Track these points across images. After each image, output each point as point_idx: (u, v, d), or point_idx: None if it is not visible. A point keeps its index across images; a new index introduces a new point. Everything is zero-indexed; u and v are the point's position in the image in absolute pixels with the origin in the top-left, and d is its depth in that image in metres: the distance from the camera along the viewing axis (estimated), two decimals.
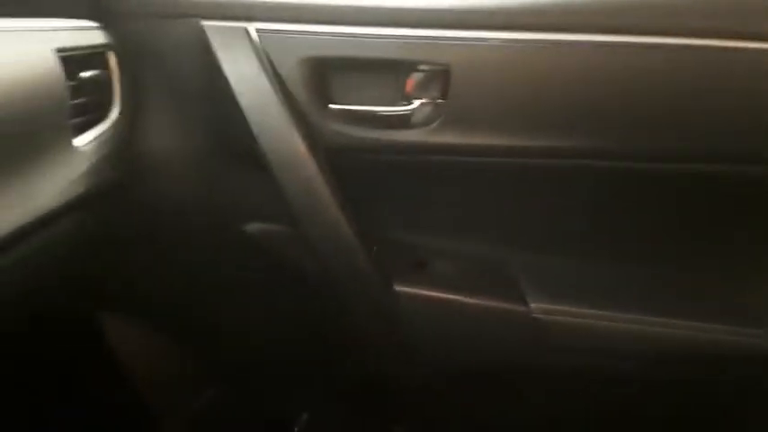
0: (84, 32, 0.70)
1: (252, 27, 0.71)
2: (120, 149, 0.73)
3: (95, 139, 0.69)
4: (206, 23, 0.72)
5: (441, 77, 0.68)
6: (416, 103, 0.70)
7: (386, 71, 0.70)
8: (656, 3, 0.64)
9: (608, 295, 0.76)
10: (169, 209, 0.81)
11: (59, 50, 0.63)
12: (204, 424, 0.93)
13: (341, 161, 0.74)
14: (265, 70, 0.70)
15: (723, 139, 0.67)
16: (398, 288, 0.78)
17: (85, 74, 0.68)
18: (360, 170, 0.76)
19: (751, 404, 0.78)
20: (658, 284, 0.77)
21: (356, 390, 0.86)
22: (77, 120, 0.67)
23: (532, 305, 0.76)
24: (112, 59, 0.73)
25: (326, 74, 0.71)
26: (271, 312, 0.87)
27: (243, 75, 0.71)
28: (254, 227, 0.83)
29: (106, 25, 0.73)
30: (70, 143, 0.65)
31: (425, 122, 0.71)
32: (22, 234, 0.57)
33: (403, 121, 0.71)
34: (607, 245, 0.77)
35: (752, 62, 0.63)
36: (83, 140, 0.67)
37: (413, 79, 0.70)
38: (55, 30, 0.65)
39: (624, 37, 0.64)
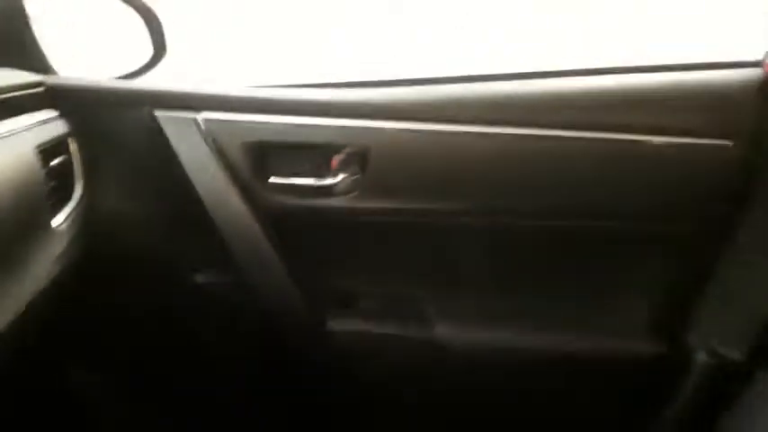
0: (51, 124, 0.81)
1: (200, 117, 0.84)
2: (86, 224, 0.84)
3: (66, 218, 0.80)
4: (158, 113, 0.85)
5: (360, 157, 0.84)
6: (340, 176, 0.86)
7: (314, 152, 0.86)
8: (532, 102, 0.84)
9: (502, 321, 0.95)
10: (127, 267, 0.92)
11: (38, 146, 0.75)
12: None
13: (280, 222, 0.89)
14: (213, 152, 0.84)
15: (588, 200, 0.87)
16: (331, 325, 0.94)
17: (54, 162, 0.79)
18: (296, 229, 0.90)
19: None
20: (543, 311, 0.96)
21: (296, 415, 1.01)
22: (51, 203, 0.78)
23: (438, 332, 0.94)
24: (73, 145, 0.85)
25: (266, 154, 0.86)
26: (216, 350, 1.00)
27: (193, 157, 0.84)
28: (200, 276, 0.96)
29: (64, 114, 0.84)
30: (49, 225, 0.76)
31: (347, 191, 0.87)
32: (20, 322, 0.68)
33: (329, 191, 0.87)
34: (500, 281, 0.96)
35: (618, 149, 0.83)
36: (58, 221, 0.78)
37: (336, 159, 0.85)
38: (29, 128, 0.76)
39: (507, 128, 0.83)
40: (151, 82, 0.88)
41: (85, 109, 0.86)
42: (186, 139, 0.84)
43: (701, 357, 0.90)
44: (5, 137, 0.70)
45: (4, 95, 0.74)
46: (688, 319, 0.92)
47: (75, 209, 0.82)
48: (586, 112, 0.83)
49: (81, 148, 0.85)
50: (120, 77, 0.94)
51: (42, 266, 0.73)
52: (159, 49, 0.93)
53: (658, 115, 0.82)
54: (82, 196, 0.84)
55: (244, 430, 1.01)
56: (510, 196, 0.86)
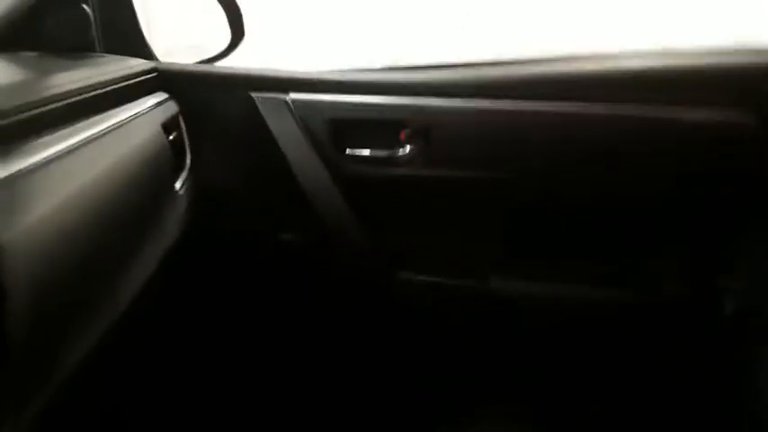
0: (165, 104, 0.97)
1: (289, 97, 0.99)
2: (195, 190, 1.00)
3: (183, 184, 0.97)
4: (254, 94, 1.00)
5: (424, 131, 0.98)
6: (407, 148, 1.00)
7: (385, 127, 0.99)
8: (571, 81, 0.95)
9: (546, 275, 1.08)
10: (227, 228, 1.09)
11: (162, 123, 0.91)
12: None
13: (356, 188, 1.03)
14: (300, 128, 0.99)
15: (623, 166, 0.98)
16: (398, 276, 1.09)
17: (171, 136, 0.95)
18: (369, 194, 1.05)
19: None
20: (581, 266, 1.08)
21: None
22: (173, 171, 0.95)
23: (491, 283, 1.08)
24: (182, 123, 1.01)
25: (344, 129, 1.00)
26: (297, 298, 1.16)
27: (283, 132, 1.00)
28: (287, 235, 1.12)
29: (174, 95, 1.00)
30: (173, 188, 0.93)
31: (413, 162, 1.00)
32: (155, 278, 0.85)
33: (397, 161, 1.01)
34: (543, 240, 1.08)
35: (649, 124, 0.93)
36: (178, 185, 0.95)
37: (404, 133, 0.99)
38: (153, 107, 0.92)
39: (547, 104, 0.94)
40: (246, 66, 1.03)
41: (191, 91, 1.02)
42: (277, 117, 0.99)
43: (728, 307, 1.02)
44: (140, 115, 0.86)
45: (131, 81, 0.90)
46: (716, 275, 1.03)
47: (187, 177, 0.99)
48: (622, 91, 0.93)
49: (188, 124, 1.02)
50: (205, 61, 1.09)
51: (171, 226, 0.90)
52: (238, 33, 1.06)
53: (686, 94, 0.92)
54: (191, 166, 1.01)
55: (322, 363, 1.18)
56: (553, 165, 0.98)
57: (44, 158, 0.60)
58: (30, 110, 0.62)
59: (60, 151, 0.63)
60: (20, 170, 0.57)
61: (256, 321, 1.18)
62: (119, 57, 0.96)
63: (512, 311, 1.07)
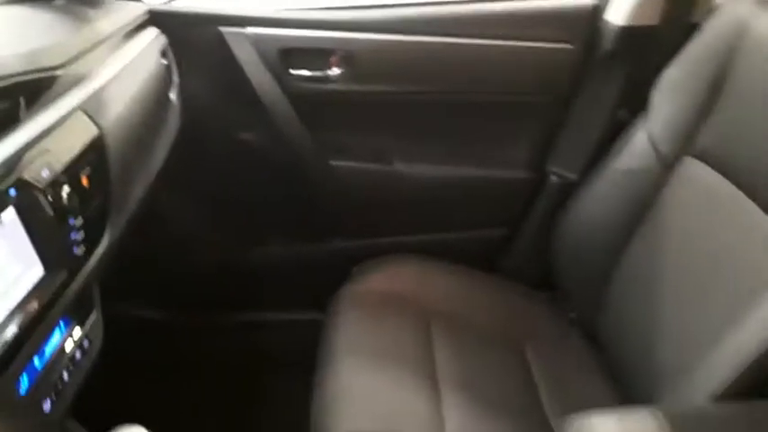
0: (159, 37, 1.31)
1: (249, 31, 1.36)
2: (181, 101, 1.37)
3: (175, 96, 1.34)
4: (222, 29, 1.36)
5: (349, 57, 1.38)
6: (337, 70, 1.40)
7: (320, 54, 1.39)
8: (452, 17, 1.37)
9: (435, 159, 1.54)
10: (200, 128, 1.47)
11: (160, 50, 1.27)
12: None
13: (299, 99, 1.43)
14: (257, 55, 1.37)
15: (490, 82, 1.42)
16: (332, 164, 1.52)
17: (164, 61, 1.31)
18: (309, 104, 1.45)
19: None
20: (460, 153, 1.54)
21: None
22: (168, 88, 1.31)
23: (397, 166, 1.53)
24: (170, 52, 1.36)
25: (290, 56, 1.39)
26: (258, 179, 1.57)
27: (244, 57, 1.36)
28: (246, 135, 1.51)
29: (162, 30, 1.35)
30: (169, 97, 1.30)
31: (341, 80, 1.41)
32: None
33: (329, 79, 1.41)
34: (435, 135, 1.53)
35: (499, 51, 1.38)
36: (173, 96, 1.32)
37: (333, 59, 1.39)
38: (154, 39, 1.27)
39: (443, 38, 1.36)
40: (216, 5, 1.38)
41: (174, 26, 1.36)
42: (240, 46, 1.36)
43: (553, 179, 1.52)
44: (148, 46, 1.22)
45: (139, 22, 1.24)
46: (547, 156, 1.52)
47: (177, 91, 1.36)
48: (483, 27, 1.37)
49: (173, 53, 1.37)
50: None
51: (171, 126, 1.28)
52: None
53: (523, 29, 1.37)
54: (179, 83, 1.37)
55: (272, 229, 1.62)
56: (443, 82, 1.42)
57: (107, 80, 0.98)
58: (87, 51, 0.97)
59: (114, 74, 1.00)
60: (101, 86, 0.94)
61: (224, 198, 1.59)
62: (118, 2, 1.29)
63: (410, 186, 1.53)
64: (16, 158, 0.69)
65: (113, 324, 0.96)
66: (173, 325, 1.67)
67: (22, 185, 0.69)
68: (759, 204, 0.96)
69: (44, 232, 0.72)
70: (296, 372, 1.32)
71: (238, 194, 1.58)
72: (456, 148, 1.52)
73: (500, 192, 1.57)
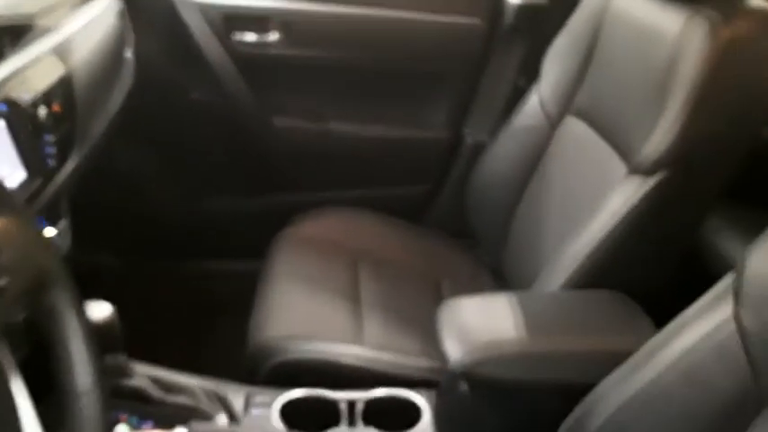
0: (116, 1, 1.46)
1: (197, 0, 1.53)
2: (135, 59, 1.53)
3: (128, 53, 1.49)
4: None
5: (285, 24, 1.56)
6: (276, 35, 1.59)
7: (259, 20, 1.57)
8: None
9: (361, 118, 1.74)
10: (152, 86, 1.62)
11: (118, 12, 1.42)
12: None
13: (241, 61, 1.61)
14: (205, 21, 1.54)
15: (401, 50, 1.63)
16: (273, 121, 1.70)
17: (119, 22, 1.46)
18: (251, 65, 1.62)
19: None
20: (382, 113, 1.75)
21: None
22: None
23: (330, 124, 1.72)
24: (126, 15, 1.51)
25: (234, 22, 1.56)
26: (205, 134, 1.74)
27: (193, 24, 1.54)
28: (195, 94, 1.67)
29: None
30: (124, 55, 1.45)
31: (279, 44, 1.59)
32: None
33: (268, 44, 1.59)
34: (361, 96, 1.73)
35: (408, 25, 1.59)
36: (128, 54, 1.47)
37: (271, 24, 1.57)
38: (109, 3, 1.42)
39: (359, 9, 1.56)
40: None
41: None
42: (190, 14, 1.53)
43: (468, 140, 1.74)
44: (107, 5, 1.37)
45: None
46: (463, 119, 1.74)
47: (130, 50, 1.51)
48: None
49: (129, 16, 1.52)
50: None
51: (125, 79, 1.43)
52: None
53: (438, 3, 1.58)
54: (133, 44, 1.53)
55: (218, 182, 1.79)
56: (368, 49, 1.62)
57: (73, 32, 1.13)
58: (58, 6, 1.13)
59: (79, 28, 1.16)
60: (68, 35, 1.10)
61: (175, 153, 1.75)
62: None
63: (339, 140, 1.73)
64: (5, 82, 0.85)
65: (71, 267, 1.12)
66: (126, 271, 1.82)
67: (10, 103, 0.85)
68: (618, 152, 1.20)
69: (26, 143, 0.88)
70: (241, 313, 1.43)
71: (188, 150, 1.74)
72: (383, 110, 1.73)
73: (423, 151, 1.79)
